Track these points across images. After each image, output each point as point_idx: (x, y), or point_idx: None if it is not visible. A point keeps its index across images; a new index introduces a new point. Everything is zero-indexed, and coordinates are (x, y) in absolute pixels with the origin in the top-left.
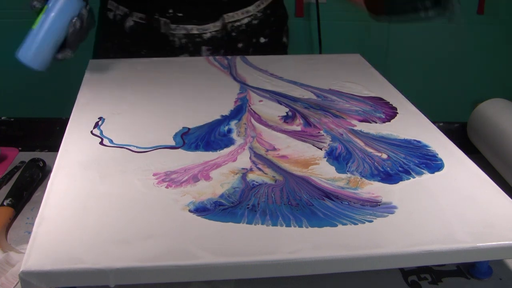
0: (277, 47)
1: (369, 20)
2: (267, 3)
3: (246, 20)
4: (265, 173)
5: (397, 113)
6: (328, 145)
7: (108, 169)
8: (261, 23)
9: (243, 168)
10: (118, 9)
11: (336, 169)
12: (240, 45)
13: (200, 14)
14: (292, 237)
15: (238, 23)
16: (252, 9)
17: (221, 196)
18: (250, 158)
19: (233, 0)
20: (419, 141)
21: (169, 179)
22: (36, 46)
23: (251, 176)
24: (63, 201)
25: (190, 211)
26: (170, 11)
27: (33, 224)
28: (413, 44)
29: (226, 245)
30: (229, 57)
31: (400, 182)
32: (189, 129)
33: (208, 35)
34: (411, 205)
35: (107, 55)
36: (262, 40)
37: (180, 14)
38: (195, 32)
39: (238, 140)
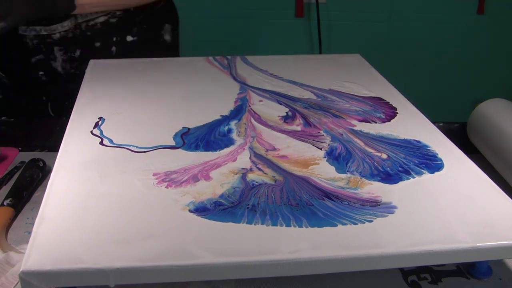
0: (155, 46)
1: (369, 20)
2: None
3: (101, 19)
4: (265, 173)
5: (397, 113)
6: (328, 145)
7: (108, 169)
8: (124, 22)
9: (243, 168)
10: None
11: (336, 169)
12: (97, 44)
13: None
14: (292, 237)
15: (92, 22)
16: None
17: (221, 196)
18: (250, 158)
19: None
20: (419, 141)
21: (169, 179)
22: None
23: (251, 176)
24: (63, 201)
25: (190, 211)
26: None
27: (33, 224)
28: (413, 44)
29: (226, 245)
30: (229, 57)
31: (400, 182)
32: (189, 129)
33: (58, 35)
34: (411, 205)
35: None
36: (129, 38)
37: None
38: (44, 33)
39: (238, 140)
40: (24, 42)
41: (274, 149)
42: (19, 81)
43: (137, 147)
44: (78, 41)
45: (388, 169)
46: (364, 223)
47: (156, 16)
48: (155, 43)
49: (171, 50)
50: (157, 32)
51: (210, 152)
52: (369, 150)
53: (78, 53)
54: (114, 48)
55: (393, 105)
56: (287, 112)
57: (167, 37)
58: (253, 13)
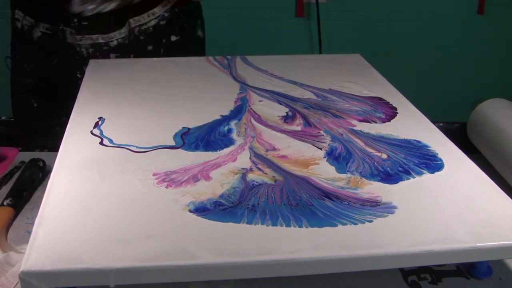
0: (191, 42)
1: (369, 20)
2: (174, 1)
3: (153, 22)
4: (265, 173)
5: (397, 113)
6: (328, 145)
7: (108, 169)
8: (170, 22)
9: (243, 168)
10: (25, 19)
11: (336, 169)
12: (150, 47)
13: (105, 22)
14: (292, 237)
15: (145, 27)
16: (158, 10)
17: (221, 196)
18: (250, 158)
19: (137, 5)
20: (419, 141)
21: (169, 179)
22: None
23: (251, 176)
24: (63, 201)
25: (190, 211)
26: (75, 20)
27: (33, 224)
28: (413, 44)
29: (226, 245)
30: (229, 57)
31: (400, 182)
32: (189, 129)
33: (115, 42)
34: (411, 205)
35: (22, 66)
36: (173, 38)
37: (85, 23)
38: (101, 41)
39: (238, 140)
40: (78, 51)
41: (274, 149)
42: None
43: (137, 147)
44: (132, 46)
45: (388, 169)
46: (364, 223)
47: (192, 13)
48: (192, 40)
49: (202, 45)
50: (193, 29)
51: (210, 152)
52: (369, 150)
53: (131, 57)
54: (162, 50)
55: (393, 105)
56: (287, 112)
57: (200, 32)
58: (253, 13)
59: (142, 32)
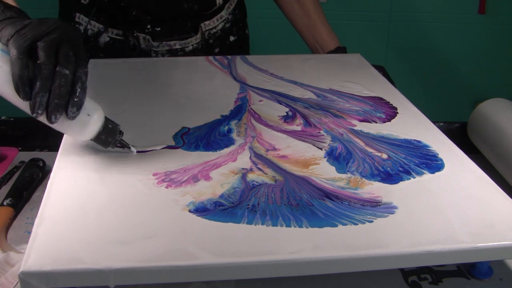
0: (243, 41)
1: (369, 20)
2: (234, 3)
3: (220, 26)
4: (265, 173)
5: (397, 113)
6: (328, 145)
7: (108, 169)
8: (232, 24)
9: (243, 168)
10: (90, 24)
11: (336, 169)
12: (217, 50)
13: (180, 28)
14: (292, 238)
15: (214, 30)
16: (224, 13)
17: (221, 196)
18: (250, 158)
19: (207, 9)
20: (419, 141)
21: (169, 179)
22: None
23: (251, 176)
24: (63, 201)
25: (190, 211)
26: (148, 26)
27: (33, 224)
28: (413, 44)
29: (226, 245)
30: (229, 57)
31: (401, 182)
32: (189, 129)
33: (190, 47)
34: (412, 205)
35: None
36: (232, 38)
37: (158, 29)
38: (178, 47)
39: (238, 140)
40: (154, 57)
41: (274, 149)
42: None
43: (137, 147)
44: (203, 50)
45: (389, 169)
46: (364, 223)
47: (244, 11)
48: (244, 38)
49: (248, 44)
50: (244, 27)
51: (210, 152)
52: (370, 150)
53: None
54: (224, 51)
55: (394, 105)
56: (287, 112)
57: (247, 31)
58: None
59: (211, 36)
